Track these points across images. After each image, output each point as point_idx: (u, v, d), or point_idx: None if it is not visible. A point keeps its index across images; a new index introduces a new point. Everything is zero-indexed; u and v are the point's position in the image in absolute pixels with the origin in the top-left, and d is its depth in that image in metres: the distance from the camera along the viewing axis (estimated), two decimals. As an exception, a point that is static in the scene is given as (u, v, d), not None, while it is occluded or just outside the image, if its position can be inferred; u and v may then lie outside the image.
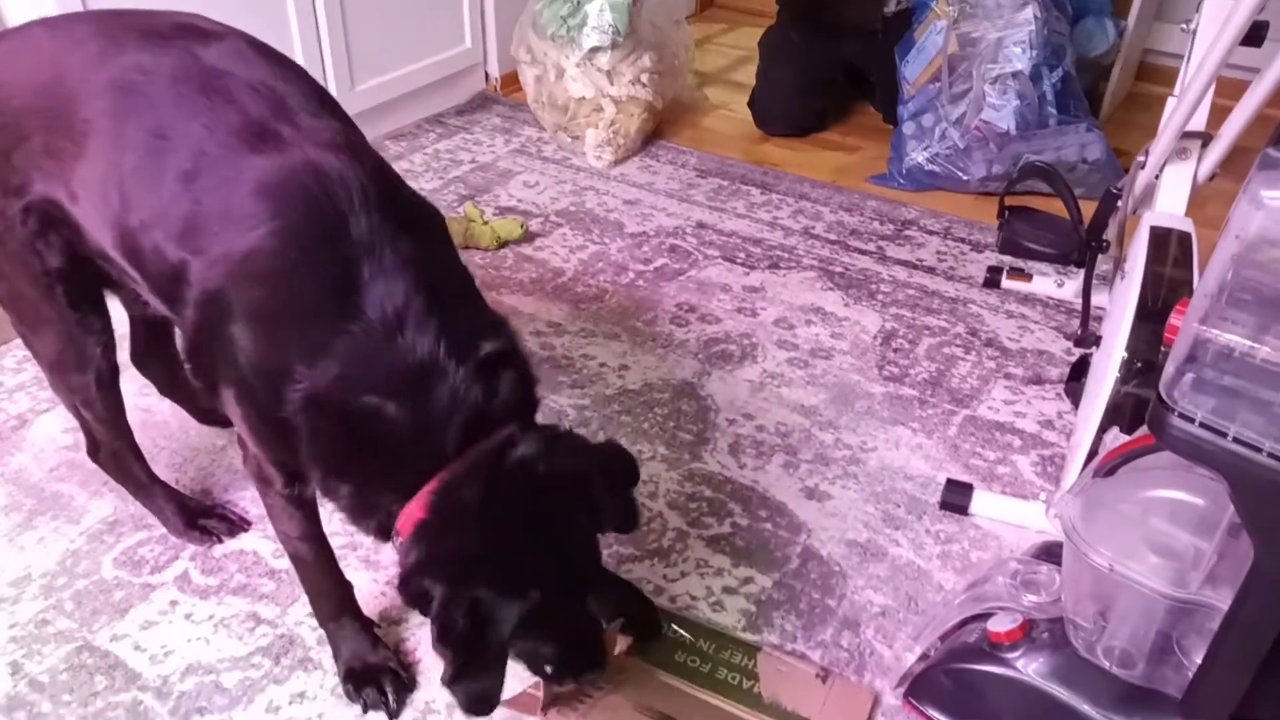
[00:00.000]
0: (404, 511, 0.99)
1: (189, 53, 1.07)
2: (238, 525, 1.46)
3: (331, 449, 1.00)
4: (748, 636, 1.31)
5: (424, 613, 0.96)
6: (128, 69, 1.06)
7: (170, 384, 1.59)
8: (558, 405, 1.72)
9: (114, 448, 1.38)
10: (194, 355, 1.08)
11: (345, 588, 1.25)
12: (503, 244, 2.20)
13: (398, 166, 2.54)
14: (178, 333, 1.10)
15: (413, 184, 2.52)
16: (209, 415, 1.63)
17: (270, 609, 1.34)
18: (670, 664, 1.24)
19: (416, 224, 1.04)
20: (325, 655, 1.27)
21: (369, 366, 0.96)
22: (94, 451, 1.40)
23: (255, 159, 1.01)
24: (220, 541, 1.44)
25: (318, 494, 1.08)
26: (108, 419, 1.32)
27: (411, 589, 0.96)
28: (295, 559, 1.21)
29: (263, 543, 1.44)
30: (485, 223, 2.19)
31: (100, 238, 1.10)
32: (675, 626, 1.29)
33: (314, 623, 1.31)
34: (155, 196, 1.03)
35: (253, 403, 1.02)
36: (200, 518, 1.44)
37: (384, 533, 1.03)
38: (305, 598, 1.34)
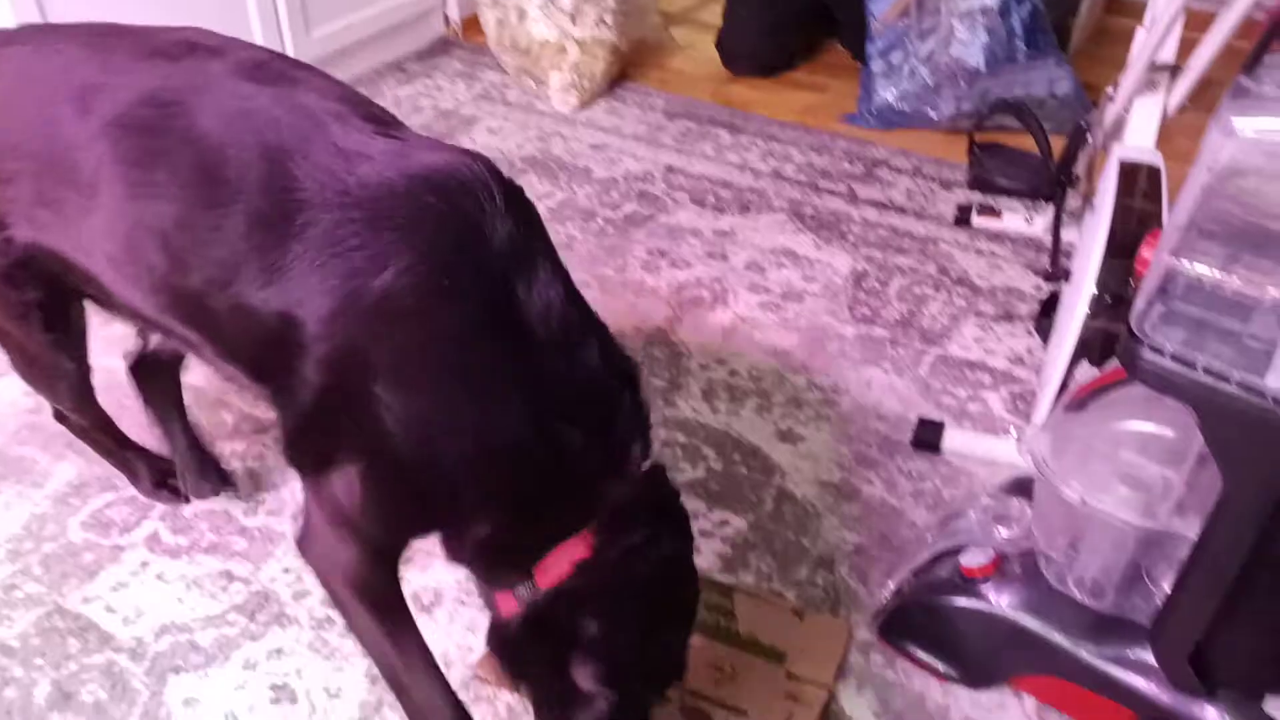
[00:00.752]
0: (555, 553, 0.91)
1: (211, 74, 0.93)
2: (219, 486, 1.43)
3: (500, 494, 0.90)
4: (724, 578, 1.32)
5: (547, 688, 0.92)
6: (142, 102, 0.91)
7: (164, 410, 1.40)
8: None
9: (81, 424, 1.34)
10: (309, 431, 0.90)
11: (460, 708, 1.01)
12: (468, 192, 2.15)
13: (358, 114, 2.49)
14: (277, 410, 0.93)
15: (374, 132, 2.46)
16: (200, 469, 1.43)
17: (243, 566, 1.32)
18: None
19: (533, 215, 0.93)
20: (301, 610, 1.27)
21: (547, 395, 0.88)
22: (60, 417, 1.35)
23: (347, 182, 0.86)
24: (186, 501, 1.41)
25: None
26: (76, 408, 1.28)
27: (553, 651, 0.90)
28: (391, 669, 0.99)
29: (232, 500, 1.42)
30: (450, 170, 2.15)
31: (140, 303, 0.96)
32: None
33: (288, 578, 1.30)
34: (223, 249, 0.88)
35: (395, 472, 0.88)
36: (170, 477, 1.42)
37: (513, 584, 0.94)
38: (279, 553, 1.34)
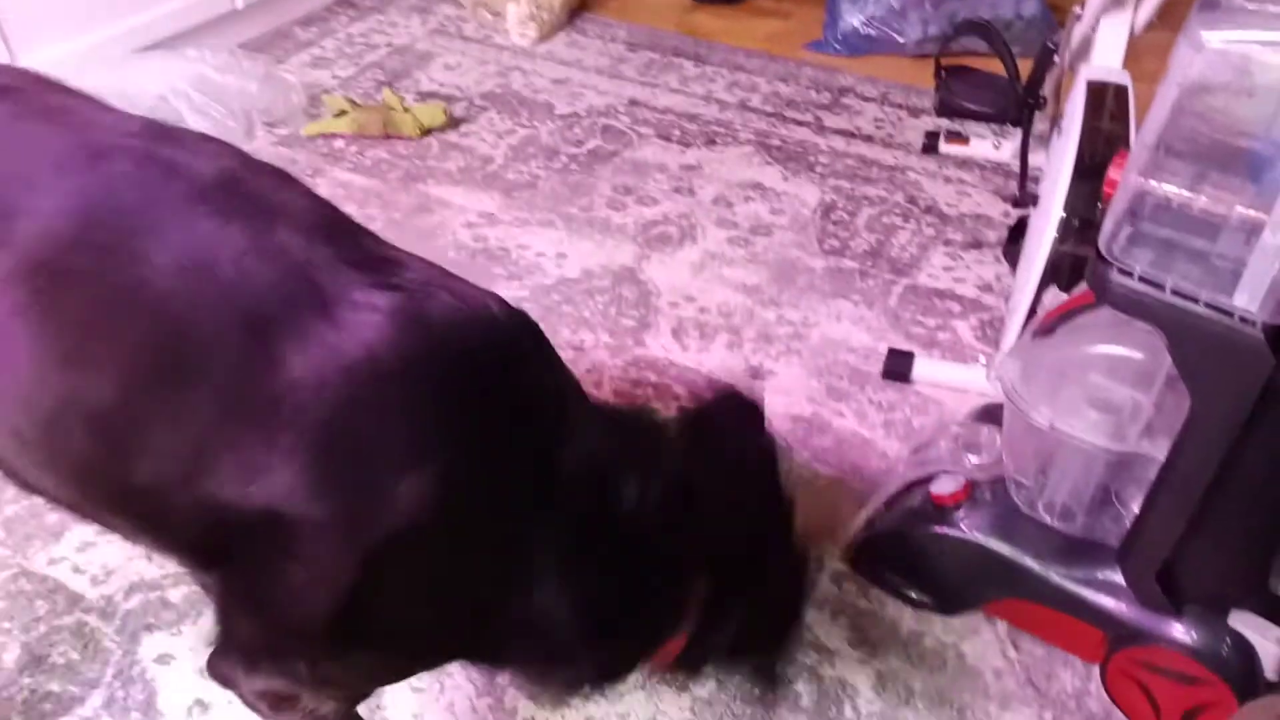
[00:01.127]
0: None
1: (165, 199, 0.71)
2: None
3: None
4: None
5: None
6: (74, 242, 0.69)
7: None
8: (495, 297, 1.68)
9: None
10: (264, 625, 0.78)
11: None
12: (426, 131, 2.10)
13: (308, 54, 2.41)
14: (220, 593, 0.79)
15: (326, 72, 2.40)
16: None
17: (212, 521, 1.31)
18: None
19: (564, 367, 0.83)
20: (273, 563, 1.25)
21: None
22: None
23: (348, 355, 0.68)
24: None
25: None
26: None
27: None
28: None
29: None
30: (406, 110, 2.09)
31: (53, 488, 0.77)
32: None
33: (259, 532, 1.29)
34: (183, 440, 0.69)
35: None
36: None
37: None
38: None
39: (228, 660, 0.81)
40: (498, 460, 0.73)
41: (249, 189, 0.75)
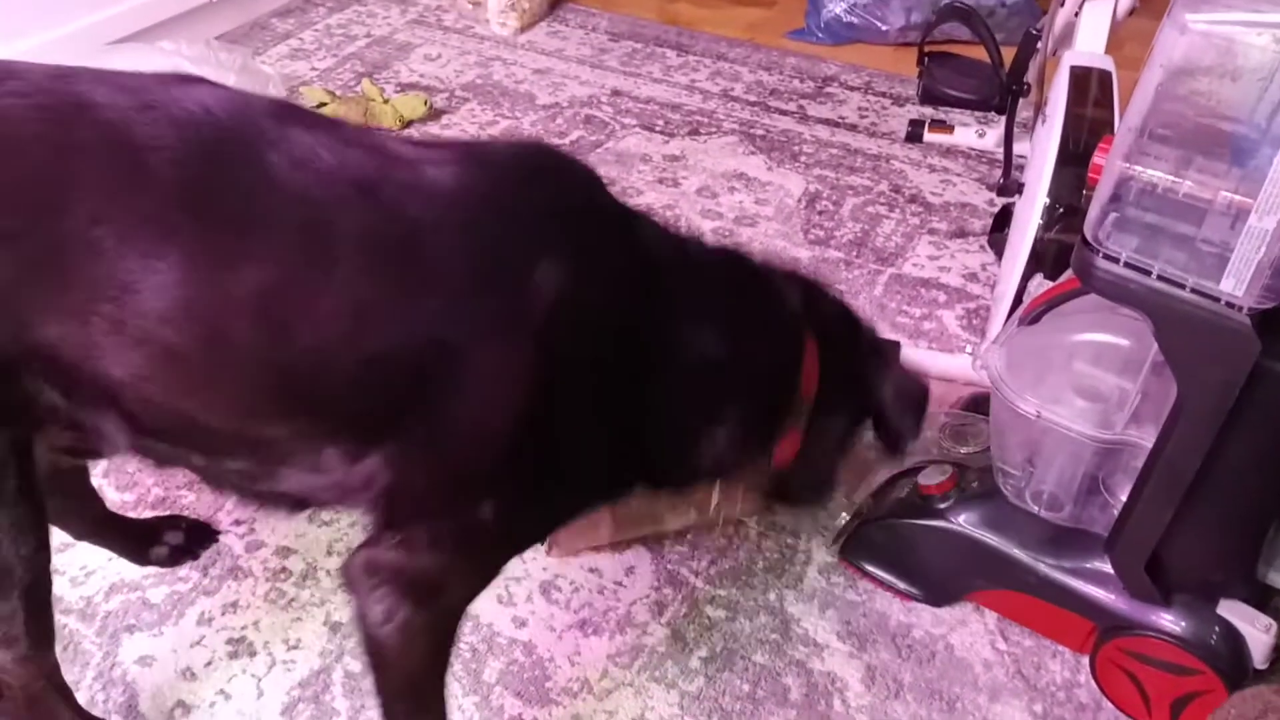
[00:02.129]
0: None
1: (258, 125, 0.79)
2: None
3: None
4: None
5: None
6: (205, 158, 0.76)
7: (95, 527, 1.21)
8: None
9: (32, 691, 0.95)
10: (439, 478, 0.83)
11: None
12: (407, 123, 2.08)
13: (286, 45, 2.39)
14: (391, 474, 0.82)
15: (304, 64, 2.38)
16: (150, 549, 1.24)
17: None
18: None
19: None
20: (254, 562, 1.24)
21: (716, 333, 0.92)
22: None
23: (449, 192, 0.81)
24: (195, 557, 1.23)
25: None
26: (33, 656, 0.92)
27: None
28: (412, 696, 0.93)
29: (178, 454, 1.38)
30: (386, 101, 2.07)
31: (201, 406, 0.79)
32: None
33: (240, 530, 1.27)
34: (341, 299, 0.76)
35: (541, 494, 0.87)
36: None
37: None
38: (229, 505, 1.30)
39: (382, 547, 0.84)
40: (600, 237, 0.87)
41: (299, 111, 0.87)
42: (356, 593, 0.86)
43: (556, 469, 0.86)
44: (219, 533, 1.28)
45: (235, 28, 2.43)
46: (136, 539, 1.24)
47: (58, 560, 1.23)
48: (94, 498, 1.19)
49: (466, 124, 2.11)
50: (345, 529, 1.28)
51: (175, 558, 1.23)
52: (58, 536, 1.25)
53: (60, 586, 1.21)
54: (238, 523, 1.28)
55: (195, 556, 1.24)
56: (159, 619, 1.18)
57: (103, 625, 1.17)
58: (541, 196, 0.85)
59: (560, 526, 1.01)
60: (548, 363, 0.80)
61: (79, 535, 1.21)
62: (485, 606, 1.19)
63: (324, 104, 2.06)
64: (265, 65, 2.18)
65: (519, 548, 0.95)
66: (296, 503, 0.90)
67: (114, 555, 1.24)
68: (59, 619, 1.17)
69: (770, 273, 1.01)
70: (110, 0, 2.13)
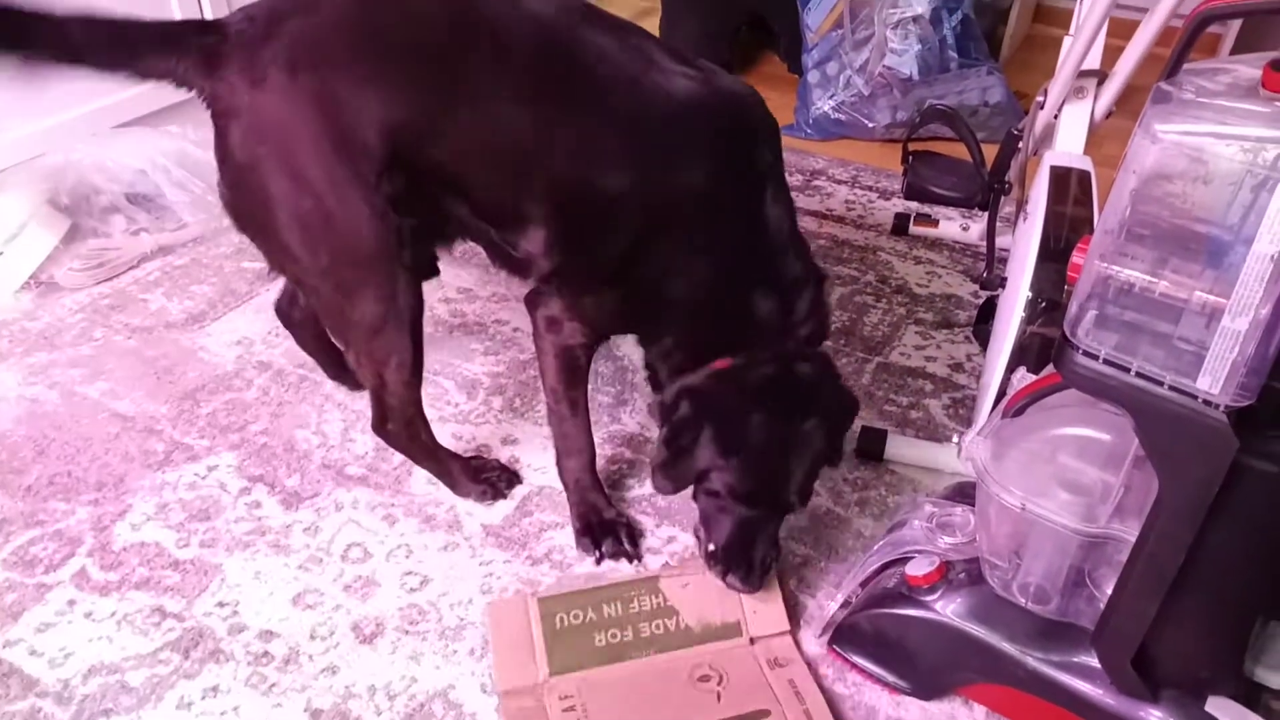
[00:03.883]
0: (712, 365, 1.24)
1: (573, 24, 1.22)
2: (515, 476, 1.47)
3: (696, 322, 1.26)
4: (638, 572, 1.33)
5: (662, 420, 1.25)
6: (538, 42, 1.19)
7: (311, 336, 1.58)
8: (471, 373, 1.68)
9: (408, 416, 1.35)
10: (587, 266, 1.26)
11: (592, 449, 1.38)
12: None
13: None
14: (558, 254, 1.25)
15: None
16: (341, 372, 1.61)
17: (176, 602, 1.28)
18: (594, 654, 1.20)
19: (780, 148, 1.31)
20: (236, 645, 1.22)
21: (760, 271, 1.24)
22: (381, 423, 1.36)
23: (677, 98, 1.19)
24: (504, 496, 1.45)
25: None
26: (413, 383, 1.31)
27: (669, 401, 1.24)
28: (560, 415, 1.36)
29: (165, 533, 1.37)
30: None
31: (497, 189, 1.23)
32: (575, 612, 1.24)
33: (224, 613, 1.26)
34: (591, 145, 1.19)
35: (640, 291, 1.25)
36: (482, 473, 1.45)
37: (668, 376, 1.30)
38: (213, 587, 1.29)
39: (536, 292, 1.30)
40: (738, 177, 1.22)
41: (601, 12, 1.25)
42: (531, 316, 1.33)
43: (624, 288, 1.26)
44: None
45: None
46: (338, 362, 1.57)
47: (36, 640, 1.22)
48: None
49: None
50: (329, 612, 1.27)
51: (359, 384, 1.52)
52: (36, 616, 1.25)
53: (37, 668, 1.19)
54: (221, 604, 1.27)
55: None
56: (137, 703, 1.15)
57: (79, 709, 1.15)
58: (717, 132, 1.22)
59: (611, 328, 1.38)
60: (652, 230, 1.21)
61: (300, 341, 1.61)
62: (468, 695, 1.17)
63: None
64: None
65: (597, 329, 1.32)
66: (517, 266, 1.32)
67: (93, 637, 1.23)
68: (34, 702, 1.15)
69: (812, 272, 1.29)
70: (117, 86, 2.17)
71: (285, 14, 1.14)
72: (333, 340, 1.55)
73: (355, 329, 1.25)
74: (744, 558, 1.21)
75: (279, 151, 1.14)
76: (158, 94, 2.21)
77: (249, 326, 1.77)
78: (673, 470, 1.23)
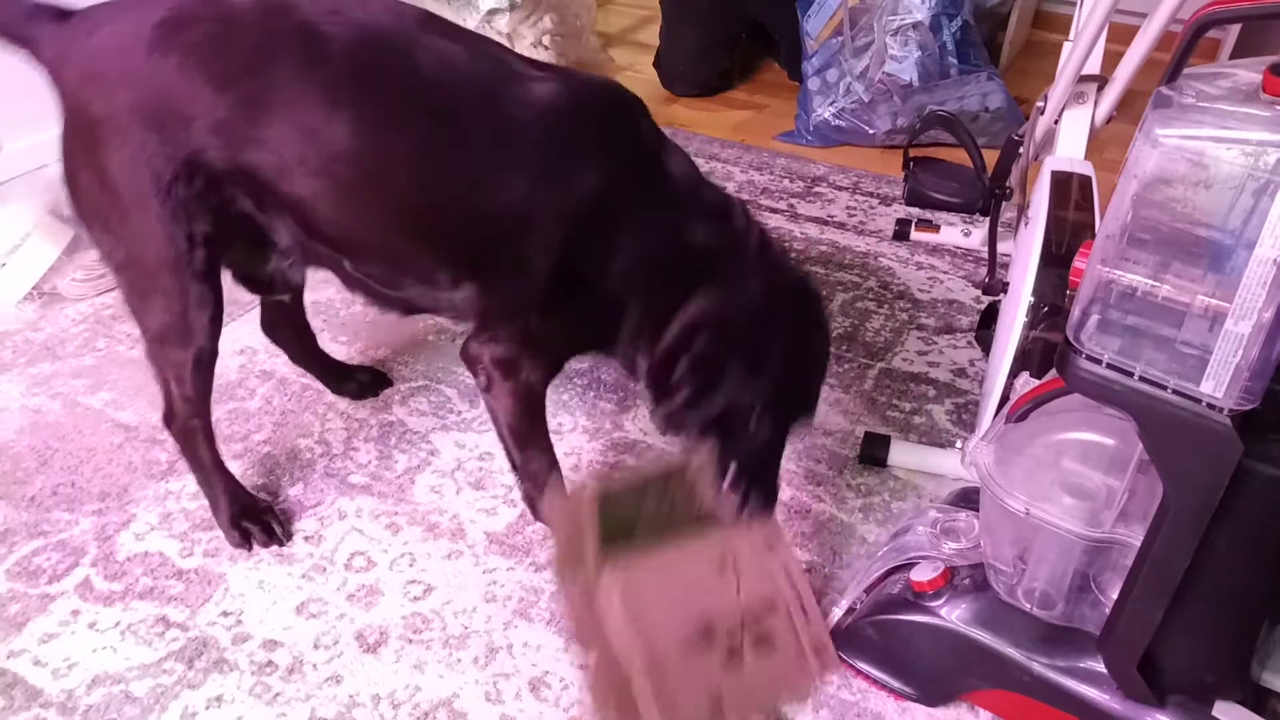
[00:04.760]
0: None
1: (405, 28, 1.16)
2: (278, 538, 1.38)
3: (652, 285, 1.22)
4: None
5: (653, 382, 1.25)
6: (366, 49, 1.14)
7: (302, 351, 1.62)
8: (473, 381, 1.68)
9: (189, 425, 1.34)
10: (515, 300, 1.21)
11: (560, 476, 1.35)
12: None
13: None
14: (481, 297, 1.22)
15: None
16: (340, 385, 1.65)
17: (180, 611, 1.28)
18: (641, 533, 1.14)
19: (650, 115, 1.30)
20: (241, 655, 1.22)
21: (687, 219, 1.23)
22: (169, 419, 1.34)
23: (545, 105, 1.16)
24: (250, 550, 1.37)
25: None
26: (194, 398, 1.30)
27: (660, 361, 1.22)
28: (528, 458, 1.31)
29: (169, 542, 1.37)
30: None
31: (353, 222, 1.18)
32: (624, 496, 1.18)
33: (228, 622, 1.26)
34: (467, 169, 1.14)
35: (589, 299, 1.22)
36: (246, 518, 1.38)
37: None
38: (217, 596, 1.29)
39: (478, 341, 1.24)
40: (635, 166, 1.21)
41: (444, 24, 1.20)
42: (471, 370, 1.27)
43: (572, 301, 1.21)
44: (391, 382, 1.68)
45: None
46: (335, 373, 1.65)
47: (40, 650, 1.22)
48: (308, 331, 1.60)
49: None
50: (334, 621, 1.27)
51: (361, 393, 1.65)
52: (39, 626, 1.25)
53: (41, 678, 1.19)
54: (225, 614, 1.27)
55: (375, 394, 1.66)
56: (142, 712, 1.15)
57: (83, 719, 1.14)
58: (598, 122, 1.20)
59: (573, 349, 1.33)
60: (574, 235, 1.16)
61: (293, 358, 1.63)
62: (473, 704, 1.17)
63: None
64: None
65: (555, 353, 1.28)
66: (409, 308, 1.29)
67: (97, 647, 1.23)
68: (38, 712, 1.15)
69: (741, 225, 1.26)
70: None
71: (123, 8, 1.16)
72: (325, 354, 1.65)
73: (145, 331, 1.25)
74: (765, 482, 1.23)
75: (86, 144, 1.15)
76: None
77: (251, 336, 1.77)
78: (697, 408, 1.19)
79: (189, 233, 1.16)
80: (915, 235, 2.11)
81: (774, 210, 2.24)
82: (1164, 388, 0.83)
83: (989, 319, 1.64)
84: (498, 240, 1.17)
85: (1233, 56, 2.69)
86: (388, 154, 1.13)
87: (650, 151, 1.24)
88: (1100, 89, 1.56)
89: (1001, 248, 1.72)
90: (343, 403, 1.63)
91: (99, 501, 1.43)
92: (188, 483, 1.46)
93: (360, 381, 1.65)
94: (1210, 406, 0.82)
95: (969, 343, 1.80)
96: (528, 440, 1.30)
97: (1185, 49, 0.99)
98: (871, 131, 2.49)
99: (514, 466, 1.34)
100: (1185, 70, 0.91)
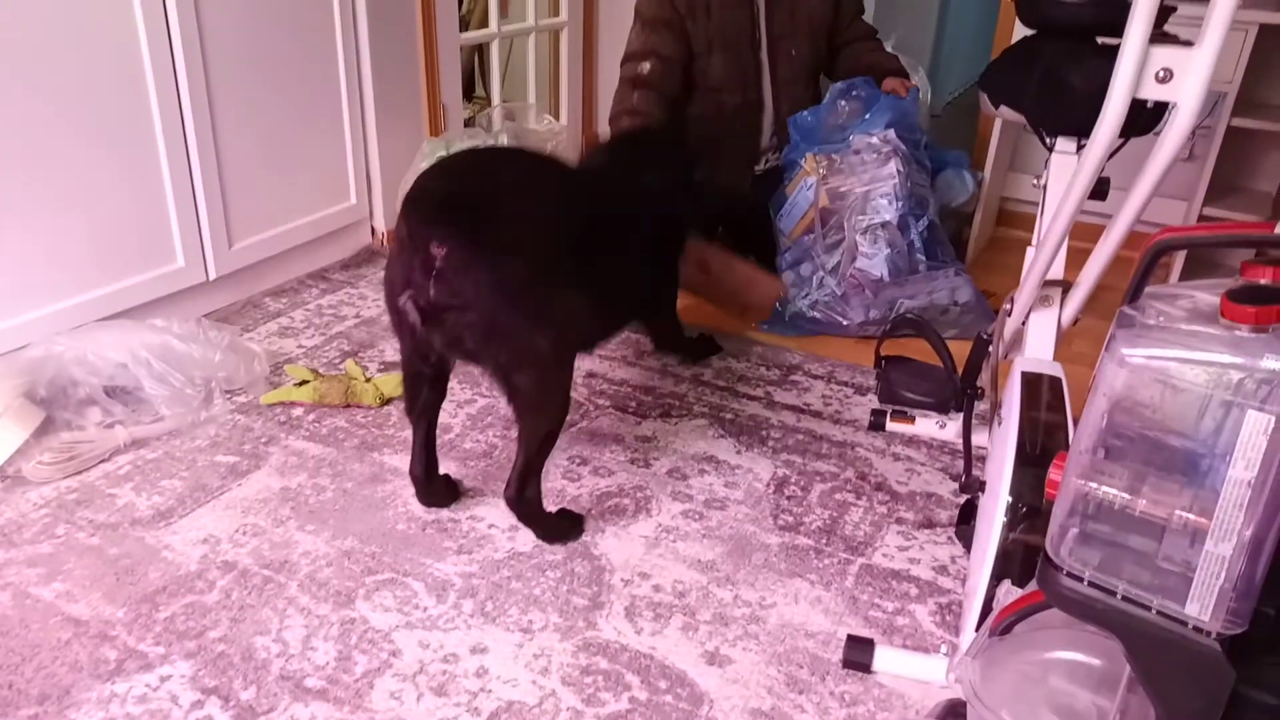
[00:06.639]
0: None
1: None
2: None
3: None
4: None
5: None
6: None
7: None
8: (442, 574, 1.63)
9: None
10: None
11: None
12: (386, 401, 2.13)
13: (276, 324, 2.48)
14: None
15: (292, 341, 2.45)
16: (434, 495, 1.84)
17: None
18: None
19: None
20: None
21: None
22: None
23: None
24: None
25: None
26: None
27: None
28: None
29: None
30: (368, 380, 2.13)
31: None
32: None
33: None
34: None
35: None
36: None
37: None
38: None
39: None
40: (557, 206, 1.71)
41: None
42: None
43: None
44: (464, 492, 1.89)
45: (227, 305, 2.54)
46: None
47: None
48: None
49: (445, 402, 2.15)
50: None
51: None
52: None
53: None
54: None
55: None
56: None
57: None
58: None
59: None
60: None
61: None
62: None
63: (305, 381, 2.11)
64: (252, 343, 2.25)
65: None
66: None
67: None
68: None
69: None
70: (104, 280, 2.22)
71: None
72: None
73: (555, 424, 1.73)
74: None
75: None
76: (143, 288, 2.27)
77: (216, 524, 1.73)
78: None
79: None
80: (891, 426, 2.13)
81: (751, 398, 2.26)
82: (1148, 608, 0.82)
83: (968, 514, 1.62)
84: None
85: (1184, 269, 2.82)
86: None
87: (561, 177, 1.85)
88: (1065, 292, 1.61)
89: (977, 441, 1.73)
90: (304, 597, 1.57)
91: (37, 705, 1.35)
92: (134, 684, 1.38)
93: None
94: (1197, 629, 0.80)
95: (949, 538, 1.77)
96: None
97: (1145, 270, 1.03)
98: (845, 322, 2.55)
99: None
100: (1146, 290, 0.94)
